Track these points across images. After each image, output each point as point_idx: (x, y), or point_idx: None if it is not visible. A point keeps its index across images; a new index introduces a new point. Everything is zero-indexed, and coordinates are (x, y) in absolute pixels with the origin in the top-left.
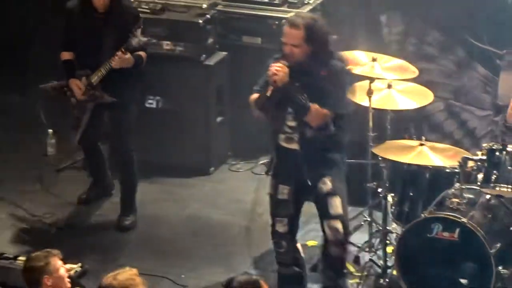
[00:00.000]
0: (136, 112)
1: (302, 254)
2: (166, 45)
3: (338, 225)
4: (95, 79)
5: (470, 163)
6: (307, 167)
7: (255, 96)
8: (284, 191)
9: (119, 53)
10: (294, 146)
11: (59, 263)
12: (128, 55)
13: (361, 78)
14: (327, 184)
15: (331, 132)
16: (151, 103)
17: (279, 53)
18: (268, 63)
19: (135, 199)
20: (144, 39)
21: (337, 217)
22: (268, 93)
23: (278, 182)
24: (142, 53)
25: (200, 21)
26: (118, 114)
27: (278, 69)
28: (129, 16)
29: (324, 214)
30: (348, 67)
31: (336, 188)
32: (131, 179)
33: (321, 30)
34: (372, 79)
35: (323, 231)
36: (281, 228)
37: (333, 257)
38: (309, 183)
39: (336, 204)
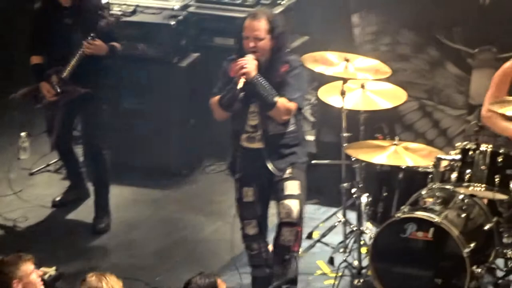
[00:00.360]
0: (108, 112)
1: None
2: (139, 47)
3: (293, 203)
4: (66, 73)
5: (444, 163)
6: (271, 163)
7: (216, 98)
8: (248, 193)
9: (89, 39)
10: (256, 145)
11: (31, 267)
12: (99, 42)
13: (334, 78)
14: (286, 172)
15: (292, 127)
16: (125, 104)
17: (235, 54)
18: (224, 66)
19: (108, 201)
20: (112, 19)
21: (292, 196)
22: (239, 86)
23: (242, 185)
24: (116, 44)
25: (172, 23)
26: (89, 112)
27: (247, 61)
28: (93, 6)
29: (280, 196)
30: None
31: (295, 173)
32: (104, 180)
33: (281, 24)
34: (345, 80)
35: (278, 213)
36: (251, 230)
37: (284, 239)
38: (276, 176)
39: (293, 186)
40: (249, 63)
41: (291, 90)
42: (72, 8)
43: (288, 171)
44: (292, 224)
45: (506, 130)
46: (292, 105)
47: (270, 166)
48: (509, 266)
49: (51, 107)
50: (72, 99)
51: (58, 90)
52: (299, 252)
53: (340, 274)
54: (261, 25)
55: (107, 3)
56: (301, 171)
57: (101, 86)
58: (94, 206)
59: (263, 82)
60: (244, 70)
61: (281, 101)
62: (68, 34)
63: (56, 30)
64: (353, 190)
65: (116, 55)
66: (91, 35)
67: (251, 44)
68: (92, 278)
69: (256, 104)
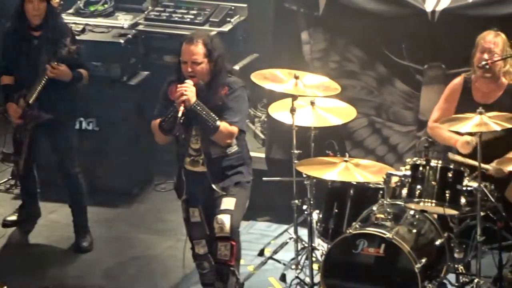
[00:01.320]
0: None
1: None
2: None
3: (226, 218)
4: (32, 98)
5: (394, 179)
6: (216, 184)
7: (157, 121)
8: (195, 214)
9: (53, 63)
10: (200, 168)
11: None
12: (63, 67)
13: (284, 95)
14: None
15: (235, 148)
16: (75, 124)
17: (173, 76)
18: (163, 87)
19: (87, 220)
20: (73, 47)
21: (225, 211)
22: (180, 114)
23: (188, 206)
24: (83, 71)
25: (122, 41)
26: (58, 135)
27: (186, 88)
28: (62, 32)
29: (215, 212)
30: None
31: (235, 191)
32: (82, 201)
33: (219, 46)
34: (294, 97)
35: (213, 228)
36: (201, 250)
37: (220, 254)
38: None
39: (229, 202)
40: (188, 90)
41: (232, 113)
42: (41, 29)
43: (231, 189)
44: (226, 238)
45: (449, 139)
46: (235, 129)
47: (215, 187)
48: (461, 281)
49: (19, 130)
50: (39, 124)
51: (26, 114)
52: (252, 267)
53: None
54: (198, 49)
55: (71, 32)
56: (244, 190)
57: (66, 111)
58: (74, 226)
59: (202, 109)
60: (183, 98)
61: (223, 125)
62: (37, 56)
63: (24, 51)
64: (304, 207)
65: (81, 81)
66: (55, 60)
67: (189, 69)
68: None
69: (198, 128)
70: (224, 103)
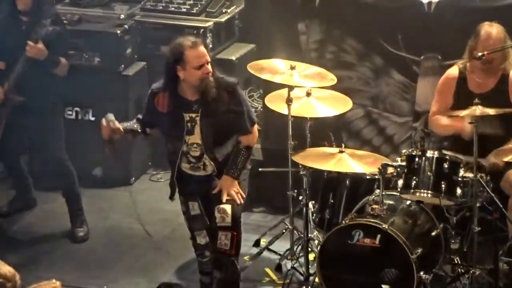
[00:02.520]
0: (61, 119)
1: None
2: (84, 56)
3: (227, 208)
4: (10, 80)
5: (390, 170)
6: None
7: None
8: (195, 207)
9: (30, 42)
10: (201, 173)
11: None
12: (41, 45)
13: (280, 86)
14: None
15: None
16: (70, 114)
17: (158, 84)
18: (149, 96)
19: (82, 209)
20: (51, 28)
21: (228, 201)
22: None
23: (187, 200)
24: (62, 59)
25: (118, 32)
26: (34, 120)
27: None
28: (45, 15)
29: (216, 203)
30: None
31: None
32: (73, 190)
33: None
34: (291, 87)
35: (215, 218)
36: (202, 240)
37: (221, 243)
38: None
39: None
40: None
41: (245, 119)
42: (29, 14)
43: None
44: (227, 228)
45: (448, 127)
46: (255, 130)
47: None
48: (456, 272)
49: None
50: (19, 111)
51: (8, 96)
52: (247, 258)
53: (287, 281)
54: (204, 50)
55: (52, 12)
56: (244, 181)
57: (45, 97)
58: (70, 217)
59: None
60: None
61: (246, 140)
62: (24, 41)
63: (12, 36)
64: (300, 198)
65: (57, 65)
66: (34, 37)
67: (210, 70)
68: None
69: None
70: (231, 110)
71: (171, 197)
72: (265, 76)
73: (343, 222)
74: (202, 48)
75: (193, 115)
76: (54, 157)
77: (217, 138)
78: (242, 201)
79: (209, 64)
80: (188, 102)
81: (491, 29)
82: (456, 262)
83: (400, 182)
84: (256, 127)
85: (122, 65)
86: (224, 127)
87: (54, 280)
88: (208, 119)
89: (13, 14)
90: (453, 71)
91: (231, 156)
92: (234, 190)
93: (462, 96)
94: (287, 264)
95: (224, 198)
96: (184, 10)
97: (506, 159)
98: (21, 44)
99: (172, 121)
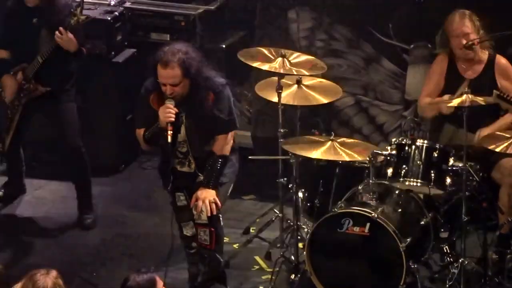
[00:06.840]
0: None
1: None
2: None
3: (204, 206)
4: (32, 72)
5: (380, 158)
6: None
7: (141, 131)
8: (181, 198)
9: (61, 30)
10: (186, 169)
11: None
12: (71, 35)
13: (270, 74)
14: None
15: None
16: None
17: (151, 82)
18: (141, 95)
19: (91, 197)
20: (83, 17)
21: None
22: (169, 139)
23: (174, 190)
24: (84, 49)
25: (109, 18)
26: (56, 108)
27: (171, 111)
28: (61, 5)
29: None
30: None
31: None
32: (86, 177)
33: (195, 60)
34: (281, 75)
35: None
36: (189, 231)
37: (201, 239)
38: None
39: None
40: (172, 113)
41: (224, 123)
42: (40, 9)
43: None
44: (204, 225)
45: (431, 105)
46: (230, 136)
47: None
48: (445, 260)
49: (11, 106)
50: (36, 100)
51: (23, 87)
52: (237, 246)
53: (277, 269)
54: (175, 72)
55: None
56: (230, 173)
57: (64, 85)
58: (78, 203)
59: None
60: (170, 120)
61: (220, 145)
62: (36, 33)
63: (23, 28)
64: (290, 185)
65: (82, 58)
66: (63, 28)
67: (169, 92)
68: (38, 275)
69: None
70: (213, 114)
71: (166, 187)
72: (255, 64)
73: (333, 210)
74: (169, 70)
75: (180, 114)
76: (71, 144)
77: (202, 137)
78: (214, 212)
79: (178, 86)
80: (179, 104)
81: (454, 21)
82: (445, 251)
83: (390, 171)
84: (232, 134)
85: (112, 52)
86: (208, 127)
87: (53, 270)
88: (193, 119)
89: (22, 6)
90: (444, 55)
91: (207, 166)
92: (209, 200)
93: (453, 80)
94: (277, 252)
95: (199, 208)
96: None
97: (491, 147)
98: (33, 37)
99: None
